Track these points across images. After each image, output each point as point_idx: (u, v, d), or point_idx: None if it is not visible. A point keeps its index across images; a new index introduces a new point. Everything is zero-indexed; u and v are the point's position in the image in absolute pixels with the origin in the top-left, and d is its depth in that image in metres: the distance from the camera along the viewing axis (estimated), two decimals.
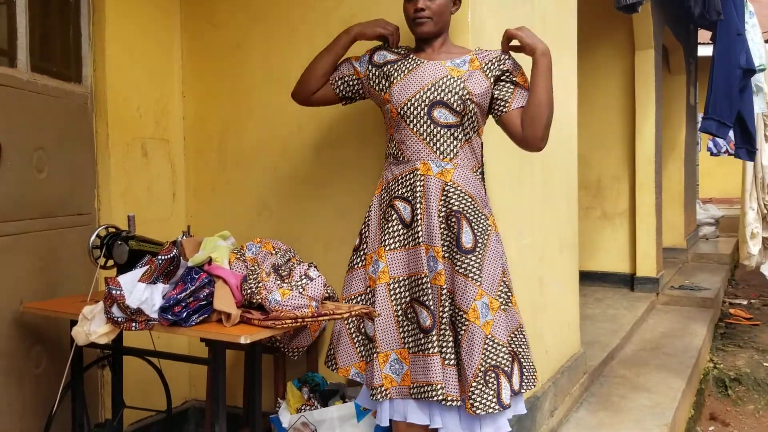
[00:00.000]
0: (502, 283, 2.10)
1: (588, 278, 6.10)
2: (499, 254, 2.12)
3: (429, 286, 2.02)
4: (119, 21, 2.73)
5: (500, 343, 2.01)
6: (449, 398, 1.99)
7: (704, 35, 7.02)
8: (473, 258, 2.02)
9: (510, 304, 2.12)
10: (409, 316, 2.06)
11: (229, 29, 2.93)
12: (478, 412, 1.96)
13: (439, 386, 1.96)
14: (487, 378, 1.98)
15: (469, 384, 1.97)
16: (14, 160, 2.31)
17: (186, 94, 3.06)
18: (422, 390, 1.99)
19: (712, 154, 10.42)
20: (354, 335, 2.15)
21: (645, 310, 5.39)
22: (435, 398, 1.97)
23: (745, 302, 6.58)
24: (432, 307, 2.01)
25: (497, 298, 2.05)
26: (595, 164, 6.16)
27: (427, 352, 2.00)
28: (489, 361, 1.99)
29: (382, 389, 2.03)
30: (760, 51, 4.44)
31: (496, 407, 1.97)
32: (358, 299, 2.15)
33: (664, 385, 3.80)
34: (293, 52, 2.74)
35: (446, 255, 2.05)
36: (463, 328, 2.00)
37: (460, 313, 2.01)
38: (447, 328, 2.01)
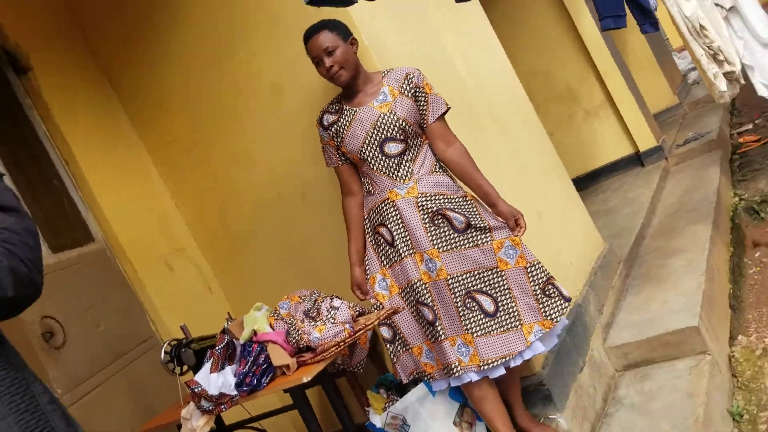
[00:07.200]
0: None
1: (602, 174, 6.34)
2: (489, 212, 2.45)
3: (423, 286, 2.35)
4: (98, 176, 3.14)
5: (536, 262, 2.38)
6: (464, 367, 2.30)
7: None
8: (473, 231, 2.36)
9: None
10: (416, 316, 2.42)
11: (185, 136, 3.32)
12: (558, 319, 2.34)
13: (453, 365, 2.30)
14: (547, 291, 2.36)
15: (538, 309, 2.33)
16: (76, 329, 2.73)
17: (178, 203, 3.46)
18: (446, 371, 2.33)
19: None
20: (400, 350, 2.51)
21: (660, 179, 5.59)
22: (456, 374, 2.30)
23: (750, 126, 6.72)
24: (430, 304, 2.34)
25: (513, 236, 2.38)
26: (558, 75, 6.38)
27: (438, 339, 2.34)
28: (540, 280, 2.35)
29: (427, 374, 2.42)
30: None
31: (565, 304, 2.36)
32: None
33: (693, 239, 4.00)
34: (240, 128, 3.13)
35: (448, 248, 2.35)
36: (503, 277, 2.34)
37: (494, 272, 2.34)
38: (471, 303, 2.33)
